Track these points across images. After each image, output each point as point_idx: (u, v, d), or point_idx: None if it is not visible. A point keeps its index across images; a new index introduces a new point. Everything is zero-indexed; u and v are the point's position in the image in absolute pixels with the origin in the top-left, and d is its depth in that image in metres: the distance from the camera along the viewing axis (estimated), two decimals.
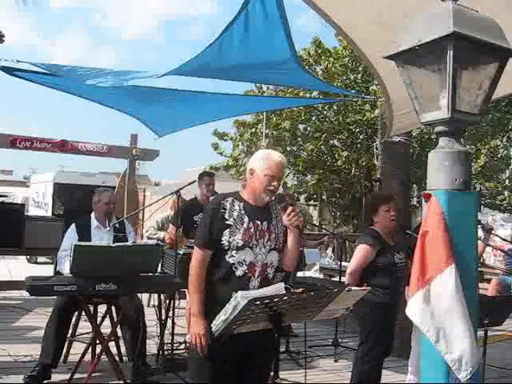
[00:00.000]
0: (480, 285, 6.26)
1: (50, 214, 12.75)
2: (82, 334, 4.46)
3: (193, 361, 2.69)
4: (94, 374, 3.92)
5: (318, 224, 14.71)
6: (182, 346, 4.67)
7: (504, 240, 7.12)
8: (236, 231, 2.62)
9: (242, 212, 2.67)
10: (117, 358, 4.25)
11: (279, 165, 2.68)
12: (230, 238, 2.61)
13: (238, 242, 2.61)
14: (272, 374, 3.02)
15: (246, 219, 2.65)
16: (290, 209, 2.67)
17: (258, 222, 2.67)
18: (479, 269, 5.75)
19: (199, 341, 2.54)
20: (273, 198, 2.74)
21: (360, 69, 12.77)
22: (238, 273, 2.61)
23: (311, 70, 12.34)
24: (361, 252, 3.77)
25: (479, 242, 5.49)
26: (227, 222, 2.63)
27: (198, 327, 2.56)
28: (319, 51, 12.86)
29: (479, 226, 4.31)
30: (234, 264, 2.61)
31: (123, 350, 4.42)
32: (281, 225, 2.77)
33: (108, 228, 4.31)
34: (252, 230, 2.65)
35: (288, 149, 13.78)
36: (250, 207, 2.69)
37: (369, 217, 3.93)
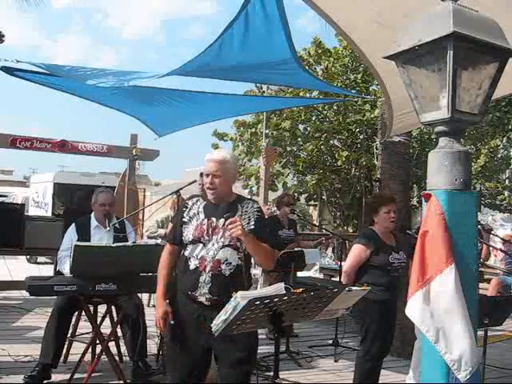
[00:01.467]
0: (480, 285, 6.26)
1: (50, 214, 12.74)
2: (82, 334, 4.46)
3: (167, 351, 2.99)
4: (93, 374, 3.92)
5: (318, 224, 14.72)
6: None
7: (503, 240, 7.12)
8: (190, 227, 2.81)
9: (200, 210, 2.84)
10: (117, 358, 4.25)
11: (209, 162, 2.80)
12: (185, 234, 2.81)
13: (189, 236, 2.79)
14: (272, 373, 3.02)
15: (202, 216, 2.82)
16: (228, 221, 2.67)
17: (214, 219, 2.79)
18: (479, 269, 5.76)
19: (160, 322, 2.81)
20: (213, 196, 2.81)
21: (360, 69, 12.78)
22: (191, 266, 2.76)
23: (311, 70, 12.35)
24: (355, 251, 3.87)
25: (484, 246, 5.52)
26: (183, 219, 2.85)
27: (158, 311, 2.82)
28: (319, 51, 12.86)
29: (479, 227, 4.31)
30: (188, 258, 2.79)
31: (123, 349, 4.42)
32: (245, 223, 2.75)
33: (108, 228, 4.31)
34: (205, 226, 2.78)
35: (288, 149, 13.78)
36: (210, 206, 2.84)
37: (369, 217, 3.96)
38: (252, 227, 2.78)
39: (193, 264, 2.76)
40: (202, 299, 2.72)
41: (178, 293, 2.84)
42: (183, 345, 2.78)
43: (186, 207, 2.89)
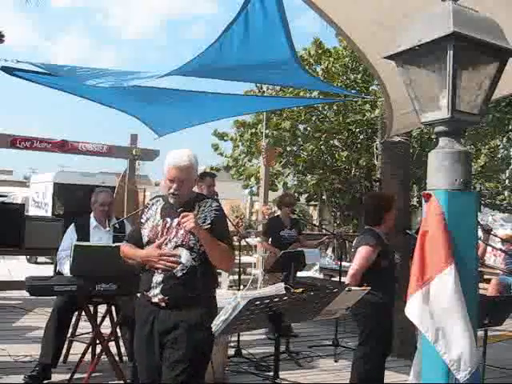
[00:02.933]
0: (480, 285, 6.26)
1: (49, 214, 12.75)
2: (82, 334, 4.46)
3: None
4: (94, 374, 3.93)
5: (318, 224, 14.73)
6: None
7: (503, 240, 7.12)
8: (146, 228, 2.81)
9: (158, 210, 2.83)
10: (117, 358, 4.25)
11: (175, 169, 2.68)
12: (142, 234, 2.83)
13: (145, 238, 2.80)
14: (272, 373, 3.01)
15: (158, 217, 2.80)
16: (183, 213, 2.61)
17: (168, 220, 2.76)
18: (479, 269, 5.76)
19: (164, 259, 2.68)
20: (175, 201, 2.74)
21: (360, 69, 12.78)
22: (146, 267, 2.76)
23: (311, 69, 12.35)
24: (363, 253, 3.73)
25: (480, 242, 5.51)
26: (141, 220, 2.87)
27: (150, 253, 2.71)
28: (320, 51, 12.86)
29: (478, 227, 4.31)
30: None
31: (123, 350, 4.42)
32: (201, 222, 2.70)
33: (108, 228, 4.31)
34: (159, 227, 2.76)
35: (288, 149, 13.79)
36: (168, 206, 2.80)
37: (377, 217, 3.87)
38: (208, 226, 2.70)
39: (147, 265, 2.75)
40: (156, 300, 2.68)
41: (140, 294, 2.88)
42: (142, 344, 2.75)
43: (147, 207, 2.90)
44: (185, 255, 2.67)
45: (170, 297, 2.65)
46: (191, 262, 2.67)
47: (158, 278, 2.69)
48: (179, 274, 2.66)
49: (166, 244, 2.70)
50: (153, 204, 2.87)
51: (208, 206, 2.78)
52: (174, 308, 2.67)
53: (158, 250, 2.69)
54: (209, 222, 2.73)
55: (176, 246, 2.69)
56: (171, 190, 2.71)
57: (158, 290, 2.67)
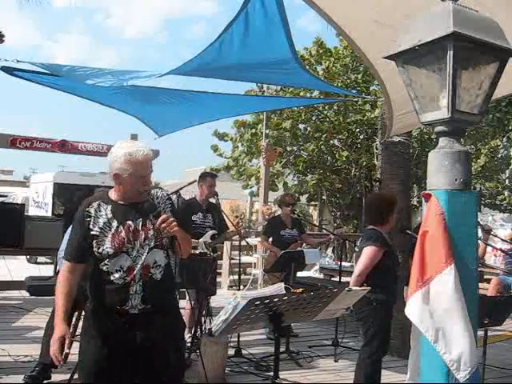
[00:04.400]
0: (480, 285, 6.25)
1: (50, 214, 12.74)
2: None
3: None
4: None
5: (318, 224, 14.73)
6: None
7: (503, 240, 7.12)
8: (104, 239, 2.43)
9: (110, 216, 2.46)
10: None
11: (147, 161, 2.46)
12: (98, 248, 2.43)
13: (107, 250, 2.42)
14: (272, 373, 3.01)
15: (115, 223, 2.45)
16: (161, 218, 2.41)
17: (130, 223, 2.46)
18: (479, 269, 5.76)
19: (53, 352, 2.48)
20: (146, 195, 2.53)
21: (361, 69, 12.79)
22: (116, 280, 2.42)
23: (312, 69, 12.36)
24: (369, 254, 3.71)
25: (480, 242, 5.51)
26: (92, 233, 2.45)
27: (57, 328, 2.49)
28: (321, 51, 12.87)
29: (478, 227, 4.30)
30: (110, 272, 2.44)
31: None
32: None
33: None
34: (123, 233, 2.44)
35: (288, 149, 13.79)
36: (120, 207, 2.48)
37: (379, 217, 3.86)
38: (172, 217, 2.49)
39: (117, 277, 2.42)
40: (134, 311, 2.43)
41: (99, 310, 2.51)
42: (102, 361, 2.46)
43: (90, 216, 2.47)
44: (161, 256, 2.50)
45: (152, 303, 2.46)
46: (165, 261, 2.51)
47: (135, 287, 2.43)
48: (159, 277, 2.48)
49: (138, 250, 2.45)
50: (96, 210, 2.48)
51: (161, 198, 2.59)
52: (156, 313, 2.48)
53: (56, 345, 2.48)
54: (170, 214, 2.53)
55: (150, 249, 2.47)
56: (146, 188, 2.48)
57: (137, 300, 2.43)
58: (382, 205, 3.92)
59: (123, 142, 2.52)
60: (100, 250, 2.44)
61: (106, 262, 2.44)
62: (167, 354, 2.48)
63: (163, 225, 2.40)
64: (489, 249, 7.31)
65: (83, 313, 4.17)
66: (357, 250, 3.99)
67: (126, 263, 2.44)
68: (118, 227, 2.45)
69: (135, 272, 2.43)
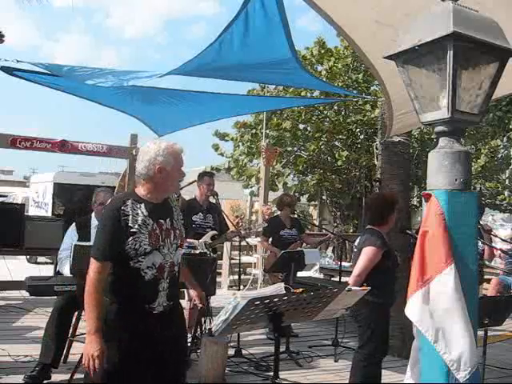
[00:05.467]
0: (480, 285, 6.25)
1: (50, 214, 12.73)
2: (82, 334, 4.44)
3: None
4: None
5: (318, 224, 14.72)
6: None
7: (503, 240, 7.12)
8: (141, 236, 2.46)
9: (146, 214, 2.50)
10: None
11: (182, 155, 2.61)
12: (135, 245, 2.44)
13: (145, 247, 2.46)
14: (272, 373, 3.01)
15: (150, 221, 2.50)
16: (199, 295, 2.76)
17: (162, 221, 2.55)
18: (479, 269, 5.75)
19: (92, 363, 2.33)
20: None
21: (362, 69, 12.79)
22: (148, 277, 2.46)
23: (313, 69, 12.36)
24: (369, 254, 3.69)
25: (486, 247, 5.51)
26: (132, 230, 2.45)
27: (93, 348, 2.33)
28: (322, 51, 12.87)
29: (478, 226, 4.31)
30: (141, 269, 2.46)
31: None
32: (180, 218, 2.67)
33: None
34: (157, 231, 2.51)
35: (289, 149, 13.79)
36: (152, 206, 2.54)
37: (380, 217, 3.85)
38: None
39: (150, 274, 2.47)
40: (160, 309, 2.49)
41: (126, 308, 2.47)
42: (130, 361, 2.43)
43: (127, 215, 2.46)
44: (180, 254, 2.64)
45: (173, 300, 2.56)
46: (181, 259, 2.66)
47: (164, 284, 2.51)
48: (177, 274, 2.63)
49: (168, 248, 2.54)
50: (131, 208, 2.49)
51: (174, 201, 2.72)
52: (174, 311, 2.60)
53: (97, 352, 2.34)
54: (182, 215, 2.71)
55: (177, 248, 2.61)
56: (182, 180, 2.62)
57: (164, 298, 2.51)
58: (382, 205, 3.91)
59: (151, 143, 2.58)
60: (137, 247, 2.44)
61: (140, 259, 2.45)
62: (185, 350, 2.66)
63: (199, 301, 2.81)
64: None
65: (83, 313, 4.19)
66: (355, 249, 3.98)
67: (158, 260, 2.49)
68: (153, 225, 2.51)
69: (165, 269, 2.51)
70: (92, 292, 2.40)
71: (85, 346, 2.37)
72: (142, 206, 2.51)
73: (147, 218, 2.49)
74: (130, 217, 2.46)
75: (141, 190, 2.56)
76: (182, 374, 2.68)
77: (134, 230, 2.45)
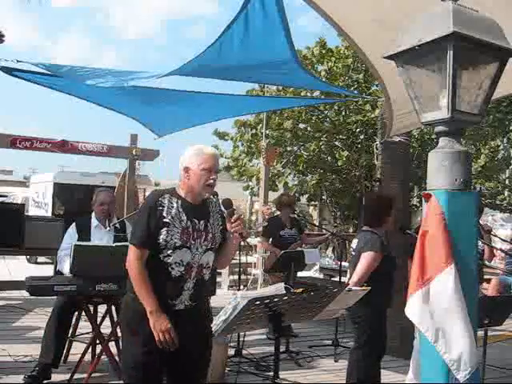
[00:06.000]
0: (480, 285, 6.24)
1: (49, 214, 12.74)
2: (82, 334, 4.45)
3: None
4: (93, 374, 3.93)
5: (318, 224, 14.73)
6: None
7: (503, 240, 7.12)
8: (174, 230, 2.50)
9: (180, 210, 2.54)
10: (117, 358, 4.25)
11: (213, 157, 2.60)
12: (167, 237, 2.48)
13: (175, 241, 2.49)
14: (272, 373, 3.01)
15: (184, 217, 2.54)
16: (235, 216, 2.58)
17: (196, 221, 2.58)
18: (479, 269, 5.75)
19: (166, 337, 2.43)
20: (210, 195, 2.66)
21: (362, 69, 12.78)
22: (174, 273, 2.51)
23: (314, 69, 12.36)
24: (369, 260, 3.68)
25: (486, 247, 5.51)
26: (165, 220, 2.50)
27: (161, 323, 2.43)
28: (323, 51, 12.87)
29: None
30: (169, 264, 2.50)
31: None
32: (217, 224, 2.67)
33: (108, 228, 4.31)
34: (190, 229, 2.54)
35: (289, 149, 13.79)
36: (187, 204, 2.58)
37: (377, 218, 3.85)
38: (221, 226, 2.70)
39: (176, 271, 2.50)
40: (181, 307, 2.54)
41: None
42: (150, 356, 2.49)
43: (163, 206, 2.52)
44: (212, 258, 2.65)
45: (196, 302, 2.58)
46: (213, 263, 2.68)
47: (190, 284, 2.54)
48: (207, 278, 2.64)
49: (198, 249, 2.56)
50: (168, 201, 2.54)
51: (215, 202, 2.72)
52: (194, 314, 2.60)
53: (167, 326, 2.44)
54: (221, 222, 2.71)
55: (207, 250, 2.60)
56: (211, 181, 2.57)
57: (187, 296, 2.54)
58: (378, 205, 3.90)
59: (189, 146, 2.67)
60: (168, 239, 2.48)
61: (169, 252, 2.50)
62: (206, 350, 2.67)
63: (238, 222, 2.57)
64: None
65: (83, 313, 4.20)
66: (353, 253, 3.94)
67: (187, 258, 2.53)
68: (186, 222, 2.55)
69: (192, 269, 2.54)
70: (138, 279, 2.47)
71: (153, 325, 2.43)
72: (179, 202, 2.57)
73: (182, 213, 2.54)
74: (165, 208, 2.52)
75: (180, 189, 2.64)
76: (204, 372, 2.70)
77: (167, 220, 2.50)
